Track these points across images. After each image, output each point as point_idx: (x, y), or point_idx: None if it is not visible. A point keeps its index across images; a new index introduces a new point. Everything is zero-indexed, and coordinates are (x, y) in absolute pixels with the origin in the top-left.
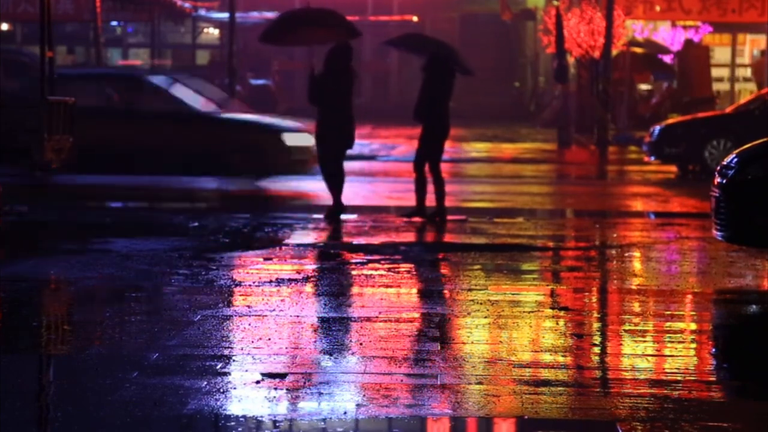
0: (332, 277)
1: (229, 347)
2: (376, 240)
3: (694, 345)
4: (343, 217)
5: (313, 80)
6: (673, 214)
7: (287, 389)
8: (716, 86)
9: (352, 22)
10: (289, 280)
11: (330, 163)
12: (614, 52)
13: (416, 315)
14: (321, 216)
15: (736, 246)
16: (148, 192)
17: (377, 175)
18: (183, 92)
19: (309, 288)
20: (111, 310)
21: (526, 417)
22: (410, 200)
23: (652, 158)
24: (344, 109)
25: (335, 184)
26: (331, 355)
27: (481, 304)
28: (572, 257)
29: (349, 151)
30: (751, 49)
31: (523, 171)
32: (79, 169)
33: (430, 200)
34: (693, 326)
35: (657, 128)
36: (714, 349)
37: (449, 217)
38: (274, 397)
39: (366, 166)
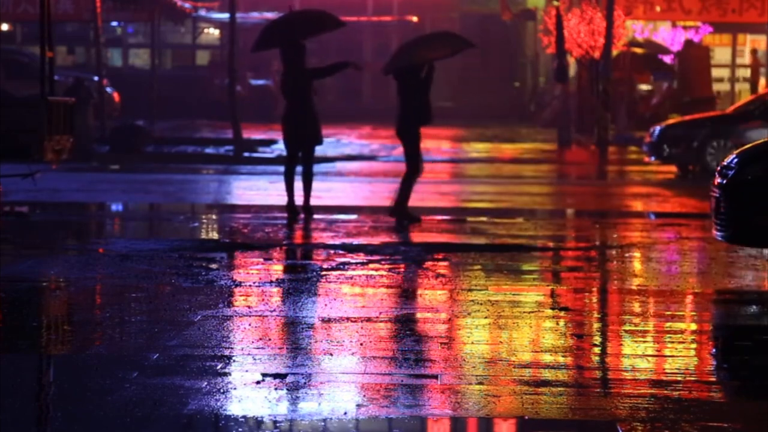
0: (332, 276)
1: (229, 347)
2: (376, 240)
3: (694, 345)
4: (316, 216)
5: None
6: (673, 215)
7: (287, 389)
8: (716, 86)
9: (334, 16)
10: (289, 280)
11: (293, 160)
12: (614, 52)
13: (416, 315)
14: (320, 217)
15: (736, 246)
16: None
17: (377, 176)
18: None
19: (309, 288)
20: (111, 310)
21: (526, 417)
22: (410, 200)
23: (652, 158)
24: (304, 106)
25: (305, 182)
26: (331, 355)
27: (481, 304)
28: (572, 257)
29: (349, 151)
30: (751, 50)
31: (523, 171)
32: None
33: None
34: (693, 326)
35: (657, 128)
36: (714, 349)
37: (446, 218)
38: (274, 397)
39: (366, 167)
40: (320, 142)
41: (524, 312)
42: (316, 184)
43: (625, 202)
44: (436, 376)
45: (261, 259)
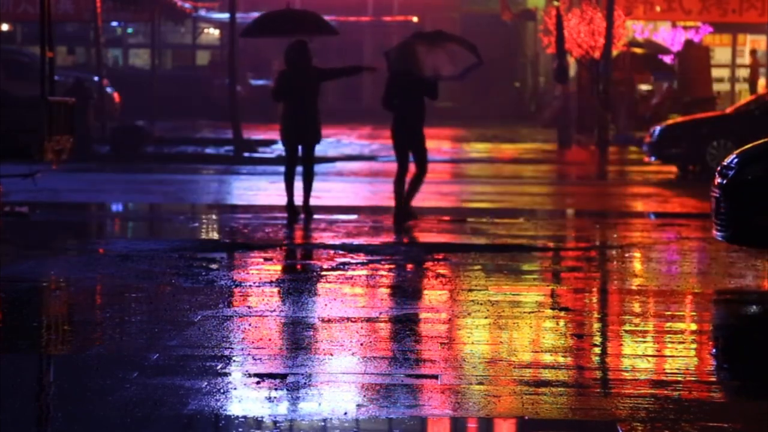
0: (332, 276)
1: (229, 347)
2: (377, 240)
3: (694, 345)
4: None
5: (277, 77)
6: (673, 215)
7: (287, 389)
8: (716, 86)
9: (328, 22)
10: (289, 280)
11: (293, 160)
12: (614, 52)
13: (416, 315)
14: (320, 217)
15: (736, 246)
16: None
17: (378, 176)
18: None
19: (309, 288)
20: (111, 310)
21: (526, 417)
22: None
23: (653, 158)
24: (305, 105)
25: (305, 182)
26: (331, 355)
27: (481, 304)
28: (572, 257)
29: (349, 151)
30: (750, 50)
31: (524, 171)
32: None
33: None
34: (693, 327)
35: (657, 129)
36: (714, 350)
37: (446, 218)
38: (274, 397)
39: (366, 167)
40: (318, 141)
41: (524, 312)
42: (317, 184)
43: (625, 202)
44: (436, 376)
45: (261, 259)
